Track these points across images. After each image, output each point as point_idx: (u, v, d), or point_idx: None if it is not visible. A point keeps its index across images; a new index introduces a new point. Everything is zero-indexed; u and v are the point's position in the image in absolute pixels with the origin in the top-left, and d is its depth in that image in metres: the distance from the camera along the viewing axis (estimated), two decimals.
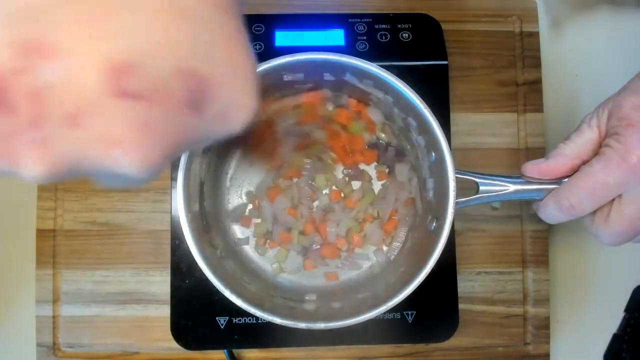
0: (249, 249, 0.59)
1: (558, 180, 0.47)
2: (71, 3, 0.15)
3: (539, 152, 0.63)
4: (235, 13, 0.19)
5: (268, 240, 0.59)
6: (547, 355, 0.61)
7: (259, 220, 0.59)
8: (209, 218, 0.55)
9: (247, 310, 0.47)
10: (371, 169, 0.60)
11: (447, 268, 0.58)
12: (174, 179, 0.50)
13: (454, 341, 0.59)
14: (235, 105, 0.19)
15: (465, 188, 0.51)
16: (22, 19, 0.15)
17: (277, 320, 0.47)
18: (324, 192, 0.59)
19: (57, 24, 0.15)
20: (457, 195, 0.48)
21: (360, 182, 0.60)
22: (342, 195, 0.59)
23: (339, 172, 0.60)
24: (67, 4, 0.15)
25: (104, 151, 0.17)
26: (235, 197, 0.59)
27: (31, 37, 0.15)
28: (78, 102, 0.16)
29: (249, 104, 0.19)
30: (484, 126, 0.63)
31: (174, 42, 0.17)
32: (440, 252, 0.47)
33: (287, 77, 0.53)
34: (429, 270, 0.47)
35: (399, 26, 0.62)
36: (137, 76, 0.16)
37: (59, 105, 0.16)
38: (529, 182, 0.48)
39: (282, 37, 0.61)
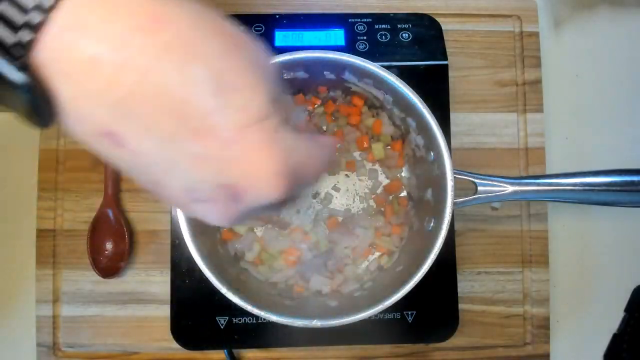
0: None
1: (555, 182, 0.47)
2: (155, 167, 0.27)
3: (539, 152, 0.63)
4: (271, 129, 0.27)
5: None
6: (547, 355, 0.61)
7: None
8: None
9: (245, 308, 0.47)
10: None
11: (447, 268, 0.58)
12: None
13: (454, 341, 0.59)
14: (262, 192, 0.27)
15: (464, 188, 0.51)
16: (144, 174, 0.29)
17: (273, 318, 0.47)
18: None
19: (156, 177, 0.28)
20: (456, 196, 0.48)
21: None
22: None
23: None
24: (154, 167, 0.27)
25: (205, 220, 0.30)
26: None
27: (153, 181, 0.29)
28: (182, 204, 0.30)
29: (271, 191, 0.27)
30: (484, 126, 0.63)
31: (206, 171, 0.26)
32: (438, 252, 0.47)
33: (287, 76, 0.53)
34: (426, 270, 0.47)
35: (399, 26, 0.62)
36: (198, 193, 0.27)
37: (180, 205, 0.31)
38: (527, 184, 0.48)
39: (282, 37, 0.61)
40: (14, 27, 0.22)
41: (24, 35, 0.23)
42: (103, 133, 0.25)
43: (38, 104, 0.24)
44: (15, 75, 0.23)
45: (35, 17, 0.22)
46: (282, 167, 0.27)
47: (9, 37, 0.23)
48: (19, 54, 0.23)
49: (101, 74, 0.23)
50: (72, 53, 0.23)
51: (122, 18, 0.23)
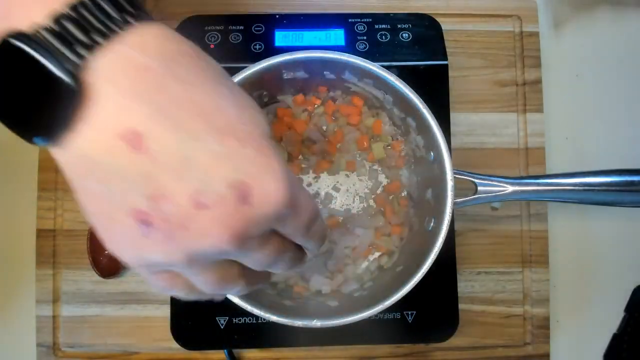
0: None
1: (555, 182, 0.47)
2: (166, 171, 0.27)
3: (539, 152, 0.63)
4: (264, 135, 0.30)
5: None
6: (547, 355, 0.61)
7: None
8: None
9: (245, 308, 0.47)
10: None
11: (447, 268, 0.58)
12: None
13: (454, 341, 0.59)
14: (270, 192, 0.29)
15: (464, 188, 0.51)
16: (146, 186, 0.28)
17: (273, 318, 0.47)
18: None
19: (163, 184, 0.27)
20: (456, 196, 0.48)
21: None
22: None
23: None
24: (165, 172, 0.27)
25: (202, 239, 0.28)
26: None
27: (154, 193, 0.27)
28: (183, 217, 0.28)
29: (280, 190, 0.29)
30: (484, 126, 0.63)
31: (223, 167, 0.28)
32: (438, 252, 0.48)
33: (287, 76, 0.53)
34: (426, 270, 0.47)
35: (399, 26, 0.62)
36: (206, 195, 0.28)
37: (176, 222, 0.28)
38: (527, 184, 0.49)
39: (282, 37, 0.61)
40: (90, 30, 0.27)
41: (98, 38, 0.27)
42: (126, 134, 0.27)
43: (62, 113, 0.27)
44: (65, 77, 0.26)
45: (115, 28, 0.27)
46: (288, 174, 0.30)
47: (81, 37, 0.26)
48: (80, 55, 0.26)
49: (150, 79, 0.28)
50: (131, 62, 0.27)
51: (173, 41, 0.30)
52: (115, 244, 0.31)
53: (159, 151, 0.27)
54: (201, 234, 0.28)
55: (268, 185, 0.29)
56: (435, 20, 0.62)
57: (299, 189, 0.32)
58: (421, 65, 0.61)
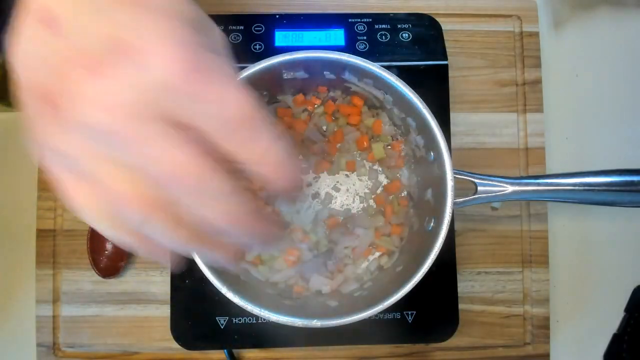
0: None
1: (555, 182, 0.47)
2: (70, 47, 0.27)
3: (539, 152, 0.63)
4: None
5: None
6: (547, 355, 0.61)
7: None
8: None
9: (245, 308, 0.47)
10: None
11: (447, 268, 0.58)
12: None
13: (454, 341, 0.59)
14: (151, 51, 0.26)
15: (464, 188, 0.51)
16: (59, 66, 0.26)
17: (273, 317, 0.47)
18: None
19: (68, 61, 0.26)
20: (456, 196, 0.48)
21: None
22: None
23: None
24: (69, 48, 0.26)
25: (85, 111, 0.26)
26: None
27: (62, 72, 0.26)
28: (74, 91, 0.26)
29: (169, 52, 0.26)
30: (484, 126, 0.63)
31: (103, 24, 0.26)
32: (438, 252, 0.47)
33: (287, 76, 0.53)
34: (426, 271, 0.47)
35: (399, 26, 0.62)
36: (87, 57, 0.26)
37: (69, 97, 0.26)
38: (527, 184, 0.49)
39: (282, 37, 0.61)
40: None
41: None
42: (44, 17, 0.27)
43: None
44: None
45: None
46: (192, 39, 0.27)
47: None
48: None
49: None
50: None
51: None
52: (35, 136, 0.29)
53: (67, 27, 0.27)
54: (84, 106, 0.26)
55: (150, 43, 0.26)
56: (435, 20, 0.62)
57: (216, 69, 0.28)
58: (421, 65, 0.61)
